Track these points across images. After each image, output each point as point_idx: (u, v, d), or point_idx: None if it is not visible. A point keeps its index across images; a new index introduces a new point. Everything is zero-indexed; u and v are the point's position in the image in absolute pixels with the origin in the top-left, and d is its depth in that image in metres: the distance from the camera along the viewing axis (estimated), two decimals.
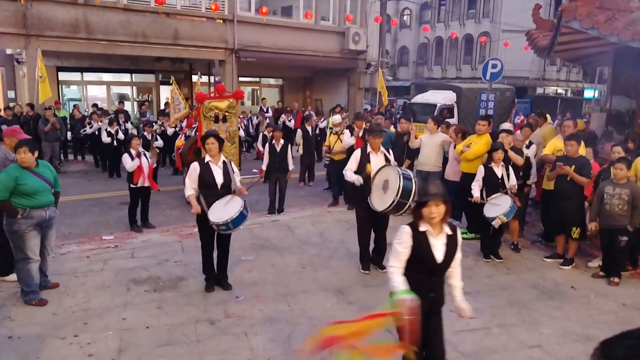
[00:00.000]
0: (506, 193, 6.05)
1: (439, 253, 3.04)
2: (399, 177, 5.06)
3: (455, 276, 3.28)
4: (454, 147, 7.48)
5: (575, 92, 35.87)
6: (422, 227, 3.02)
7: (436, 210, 2.96)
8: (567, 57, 11.61)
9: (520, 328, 4.53)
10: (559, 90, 35.88)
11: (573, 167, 5.89)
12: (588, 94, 32.41)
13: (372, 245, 5.86)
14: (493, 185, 6.12)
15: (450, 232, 3.10)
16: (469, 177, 6.68)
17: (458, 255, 3.19)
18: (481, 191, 6.17)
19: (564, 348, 4.22)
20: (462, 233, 7.13)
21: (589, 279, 5.73)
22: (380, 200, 5.31)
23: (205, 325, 4.49)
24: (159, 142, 10.79)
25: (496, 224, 5.84)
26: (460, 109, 15.59)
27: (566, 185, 5.97)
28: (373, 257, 5.83)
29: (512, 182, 6.14)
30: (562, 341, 4.33)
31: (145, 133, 10.21)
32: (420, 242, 3.02)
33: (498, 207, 5.89)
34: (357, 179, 5.48)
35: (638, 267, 5.93)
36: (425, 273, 3.08)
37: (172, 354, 4.00)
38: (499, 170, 6.15)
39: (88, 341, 4.18)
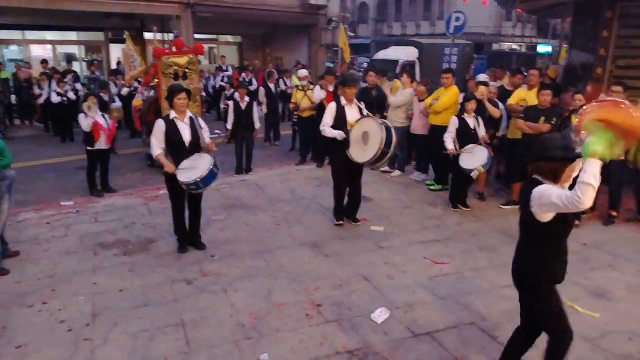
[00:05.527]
0: (479, 144, 6.11)
1: None
2: (381, 127, 5.03)
3: None
4: (420, 101, 7.48)
5: (529, 47, 36.60)
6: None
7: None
8: (530, 8, 11.70)
9: (491, 271, 4.68)
10: (514, 46, 36.50)
11: (543, 118, 6.00)
12: (542, 49, 33.16)
13: (346, 199, 5.84)
14: (466, 136, 6.17)
15: None
16: (438, 130, 6.71)
17: None
18: (454, 142, 6.20)
19: None
20: (430, 185, 7.31)
21: None
22: (361, 153, 5.27)
23: (182, 285, 4.39)
24: (118, 104, 10.22)
25: (475, 175, 5.88)
26: (423, 64, 15.57)
27: (536, 136, 6.09)
28: (347, 210, 5.83)
29: (483, 132, 6.21)
30: None
31: (102, 94, 9.62)
32: None
33: (475, 159, 5.91)
34: (340, 134, 5.31)
35: (595, 210, 6.22)
36: None
37: (150, 314, 3.90)
38: (471, 121, 6.19)
39: (58, 307, 4.01)
